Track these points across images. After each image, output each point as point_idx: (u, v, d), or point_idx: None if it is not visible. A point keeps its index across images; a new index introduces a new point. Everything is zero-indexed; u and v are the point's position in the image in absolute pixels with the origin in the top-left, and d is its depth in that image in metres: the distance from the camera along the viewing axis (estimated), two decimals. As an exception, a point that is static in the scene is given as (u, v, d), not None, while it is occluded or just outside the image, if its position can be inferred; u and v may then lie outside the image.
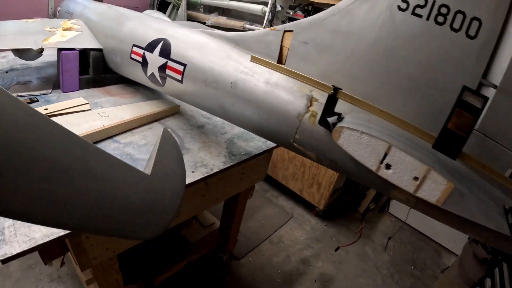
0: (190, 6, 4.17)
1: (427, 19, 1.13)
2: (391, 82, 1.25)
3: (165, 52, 2.00)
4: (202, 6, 4.11)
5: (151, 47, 2.09)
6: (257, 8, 4.38)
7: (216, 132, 2.18)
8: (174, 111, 2.34)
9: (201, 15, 4.43)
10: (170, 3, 3.92)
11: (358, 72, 1.33)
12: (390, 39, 1.23)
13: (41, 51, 2.51)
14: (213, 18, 4.53)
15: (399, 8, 1.22)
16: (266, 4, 4.26)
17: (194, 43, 1.89)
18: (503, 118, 1.06)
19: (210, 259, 2.86)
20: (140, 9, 3.33)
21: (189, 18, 4.69)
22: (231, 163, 1.90)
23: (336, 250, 2.99)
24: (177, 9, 4.10)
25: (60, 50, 2.43)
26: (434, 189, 1.03)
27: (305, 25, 1.46)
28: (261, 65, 1.50)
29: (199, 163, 1.88)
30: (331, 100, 1.27)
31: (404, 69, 1.21)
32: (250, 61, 1.55)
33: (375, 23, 1.27)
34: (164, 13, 4.17)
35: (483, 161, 1.08)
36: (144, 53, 2.14)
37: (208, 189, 1.92)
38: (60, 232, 1.32)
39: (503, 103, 1.04)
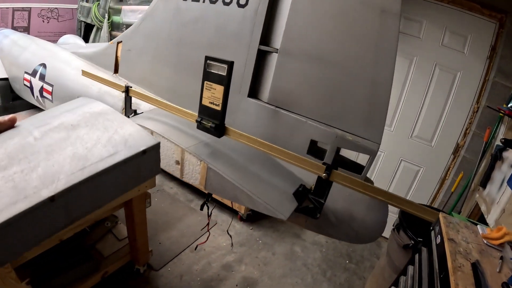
0: (114, 26, 3.89)
1: (204, 1, 0.98)
2: (185, 70, 1.08)
3: (42, 75, 1.85)
4: (124, 26, 3.81)
5: (34, 72, 1.94)
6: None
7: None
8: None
9: (124, 35, 4.18)
10: (94, 25, 3.63)
11: (161, 68, 1.15)
12: (179, 29, 1.07)
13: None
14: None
15: (183, -2, 1.10)
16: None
17: (62, 65, 1.73)
18: (292, 82, 0.85)
19: (127, 272, 2.59)
20: (67, 34, 3.25)
21: (113, 38, 4.34)
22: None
23: (195, 248, 2.71)
24: (101, 31, 3.70)
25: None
26: (194, 171, 0.87)
27: (129, 34, 1.31)
28: (89, 78, 1.36)
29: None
30: (126, 98, 1.11)
31: (193, 55, 1.05)
32: (82, 75, 1.36)
33: (168, 19, 1.08)
34: (90, 35, 3.82)
35: (284, 138, 0.87)
36: (30, 78, 2.00)
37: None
38: None
39: (287, 66, 0.85)
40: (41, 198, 0.58)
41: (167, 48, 1.13)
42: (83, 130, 0.75)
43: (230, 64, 0.74)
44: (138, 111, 1.13)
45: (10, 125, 0.79)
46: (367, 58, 0.77)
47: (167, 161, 0.90)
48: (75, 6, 3.77)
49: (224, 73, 0.75)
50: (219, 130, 0.80)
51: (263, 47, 0.88)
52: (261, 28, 0.88)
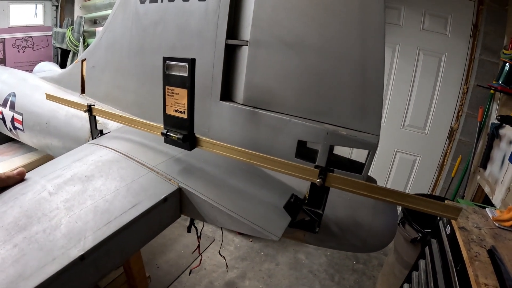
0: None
1: (162, 0, 0.86)
2: (149, 80, 0.94)
3: (12, 105, 1.76)
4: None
5: (5, 102, 1.84)
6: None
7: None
8: (48, 160, 2.04)
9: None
10: (70, 50, 3.49)
11: (125, 82, 1.02)
12: (139, 36, 0.93)
13: None
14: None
15: (141, 1, 0.93)
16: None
17: (31, 92, 1.57)
18: (267, 77, 0.72)
19: (125, 302, 2.41)
20: (43, 61, 3.12)
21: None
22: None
23: (189, 274, 2.51)
24: (78, 55, 3.41)
25: None
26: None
27: (92, 49, 1.17)
28: (54, 101, 1.23)
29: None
30: (90, 118, 0.98)
31: (155, 61, 0.91)
32: (46, 99, 1.27)
33: (127, 26, 0.96)
34: (66, 60, 3.64)
35: (266, 142, 0.74)
36: (1, 109, 1.90)
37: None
38: None
39: (260, 58, 0.72)
40: (71, 258, 0.55)
41: (129, 58, 1.00)
42: (99, 181, 0.71)
43: (192, 62, 0.61)
44: (105, 131, 0.99)
45: (19, 179, 0.73)
46: (351, 37, 0.65)
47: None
48: (49, 33, 3.62)
49: (186, 74, 0.62)
50: (189, 141, 0.66)
51: (231, 41, 0.75)
52: (227, 19, 0.75)
